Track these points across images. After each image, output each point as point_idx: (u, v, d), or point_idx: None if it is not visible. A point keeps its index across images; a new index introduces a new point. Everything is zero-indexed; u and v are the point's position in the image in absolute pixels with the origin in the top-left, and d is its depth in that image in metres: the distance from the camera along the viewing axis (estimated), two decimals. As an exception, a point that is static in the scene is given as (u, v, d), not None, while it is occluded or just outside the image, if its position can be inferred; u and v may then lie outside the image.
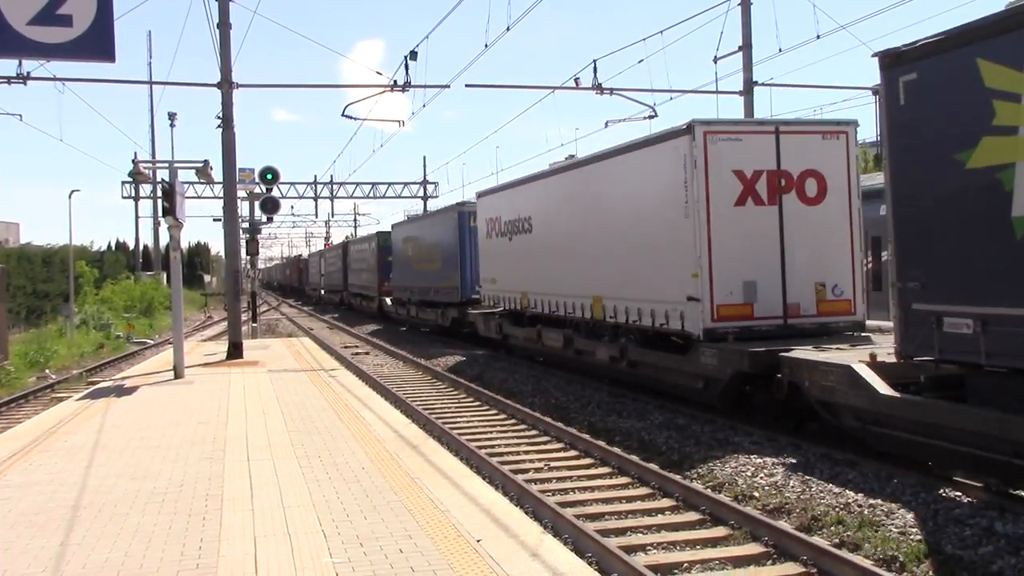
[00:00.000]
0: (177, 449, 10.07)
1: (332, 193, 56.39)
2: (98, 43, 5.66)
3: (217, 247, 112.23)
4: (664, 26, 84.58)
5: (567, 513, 8.83)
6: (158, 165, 21.62)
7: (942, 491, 8.98)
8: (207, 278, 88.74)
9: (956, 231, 8.80)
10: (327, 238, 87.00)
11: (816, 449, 11.01)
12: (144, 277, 57.26)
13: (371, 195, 58.00)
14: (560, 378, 18.87)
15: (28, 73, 19.68)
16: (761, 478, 10.07)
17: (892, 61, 9.41)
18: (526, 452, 12.51)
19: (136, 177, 23.01)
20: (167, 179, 17.93)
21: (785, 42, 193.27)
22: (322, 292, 65.61)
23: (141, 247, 65.62)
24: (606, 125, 55.20)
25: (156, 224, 57.79)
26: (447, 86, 22.65)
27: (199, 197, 50.29)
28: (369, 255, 43.53)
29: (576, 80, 23.14)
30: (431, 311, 31.71)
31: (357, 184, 57.11)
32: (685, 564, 7.58)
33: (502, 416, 15.52)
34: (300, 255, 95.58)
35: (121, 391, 15.61)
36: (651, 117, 24.22)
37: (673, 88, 27.61)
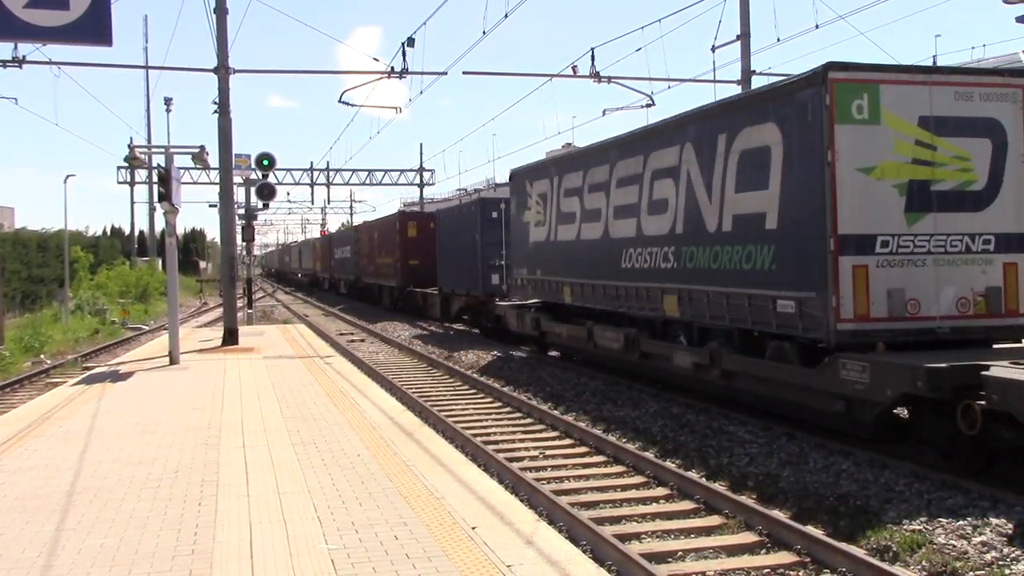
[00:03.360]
0: (172, 435, 10.06)
1: (328, 180, 56.22)
2: (95, 27, 5.64)
3: (213, 233, 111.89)
4: (662, 14, 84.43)
5: (562, 501, 8.84)
6: (154, 150, 21.57)
7: (935, 481, 9.01)
8: (202, 264, 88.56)
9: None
10: (323, 225, 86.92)
11: (811, 439, 11.04)
12: (139, 263, 57.15)
13: (367, 182, 58.00)
14: (556, 367, 18.89)
15: (24, 57, 19.56)
16: (756, 467, 10.11)
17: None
18: (521, 440, 12.52)
19: (132, 162, 22.96)
20: (163, 164, 17.88)
21: (784, 31, 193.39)
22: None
23: (136, 233, 65.58)
24: (604, 113, 55.23)
25: (152, 210, 57.59)
26: (444, 73, 22.63)
27: (195, 183, 50.18)
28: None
29: (574, 68, 23.11)
30: None
31: (353, 171, 57.11)
32: (679, 552, 7.60)
33: (497, 404, 15.53)
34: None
35: (116, 377, 15.59)
36: (648, 106, 24.23)
37: (671, 77, 27.58)
